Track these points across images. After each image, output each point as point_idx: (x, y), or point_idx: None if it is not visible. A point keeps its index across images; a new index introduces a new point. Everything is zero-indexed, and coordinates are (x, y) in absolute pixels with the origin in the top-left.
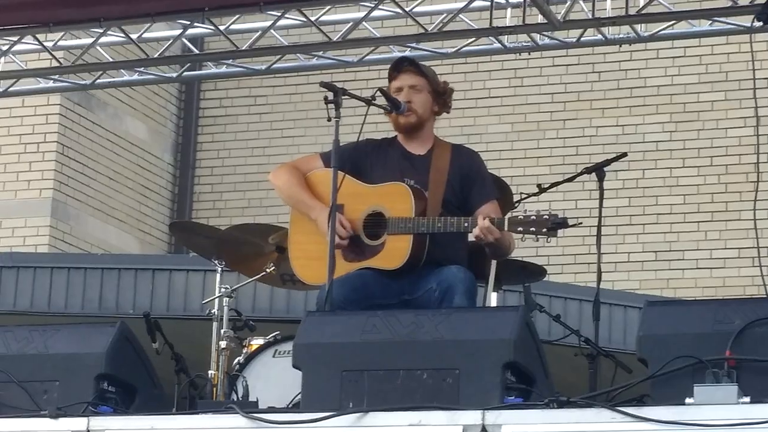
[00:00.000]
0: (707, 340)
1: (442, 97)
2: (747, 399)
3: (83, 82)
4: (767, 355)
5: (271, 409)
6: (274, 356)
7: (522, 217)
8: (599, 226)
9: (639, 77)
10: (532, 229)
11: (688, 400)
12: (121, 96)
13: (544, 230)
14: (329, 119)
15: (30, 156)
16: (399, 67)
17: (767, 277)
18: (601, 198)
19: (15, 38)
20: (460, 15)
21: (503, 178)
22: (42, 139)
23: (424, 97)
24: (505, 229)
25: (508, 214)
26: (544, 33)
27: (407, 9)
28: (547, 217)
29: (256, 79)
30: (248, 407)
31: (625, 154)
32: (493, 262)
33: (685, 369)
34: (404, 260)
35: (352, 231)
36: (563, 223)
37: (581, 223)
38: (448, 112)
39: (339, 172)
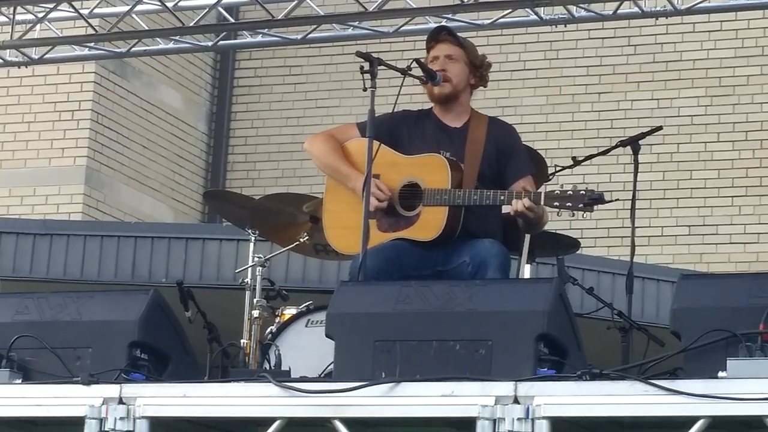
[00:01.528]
0: (741, 313)
1: (479, 69)
2: None
3: (118, 50)
4: None
5: (304, 379)
6: (306, 326)
7: (559, 192)
8: (633, 200)
9: (675, 51)
10: (568, 204)
11: (721, 374)
12: (155, 64)
13: (581, 205)
14: (365, 89)
15: (64, 124)
16: (437, 36)
17: None
18: (636, 171)
19: (51, 5)
20: None
21: (538, 151)
22: (77, 107)
23: (459, 68)
24: (542, 203)
25: (545, 189)
26: (581, 5)
27: None
28: (583, 192)
29: (291, 48)
30: (280, 376)
31: (660, 128)
32: (527, 235)
33: (719, 342)
34: (439, 232)
35: (390, 193)
36: (600, 199)
37: (618, 199)
38: (485, 86)
39: (375, 142)
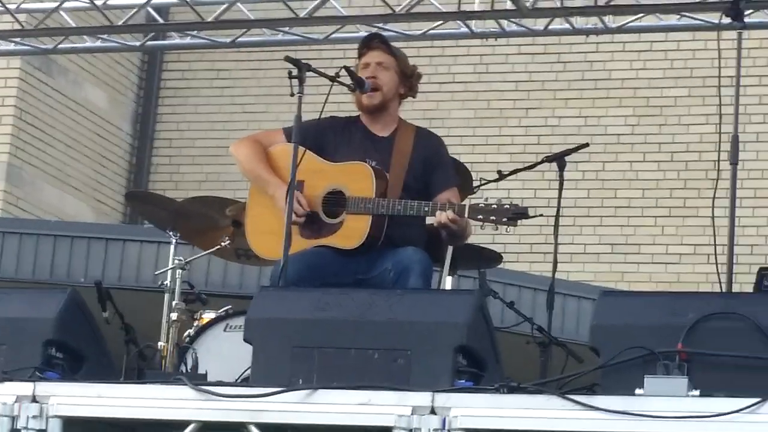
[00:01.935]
0: (660, 332)
1: (409, 79)
2: (697, 392)
3: (45, 47)
4: (719, 350)
5: (220, 383)
6: (225, 330)
7: (483, 205)
8: (557, 217)
9: (604, 69)
10: (492, 217)
11: (638, 391)
12: (82, 63)
13: (505, 219)
14: (292, 94)
15: None
16: (369, 43)
17: (723, 274)
18: (561, 188)
19: None
20: None
21: (464, 164)
22: (0, 103)
23: (390, 76)
24: (466, 216)
25: (469, 201)
26: (512, 19)
27: None
28: (508, 206)
29: (219, 52)
30: (197, 379)
31: (587, 144)
32: (450, 247)
33: (637, 360)
34: (362, 240)
35: (309, 210)
36: (524, 214)
37: (542, 214)
38: (414, 97)
39: (300, 148)
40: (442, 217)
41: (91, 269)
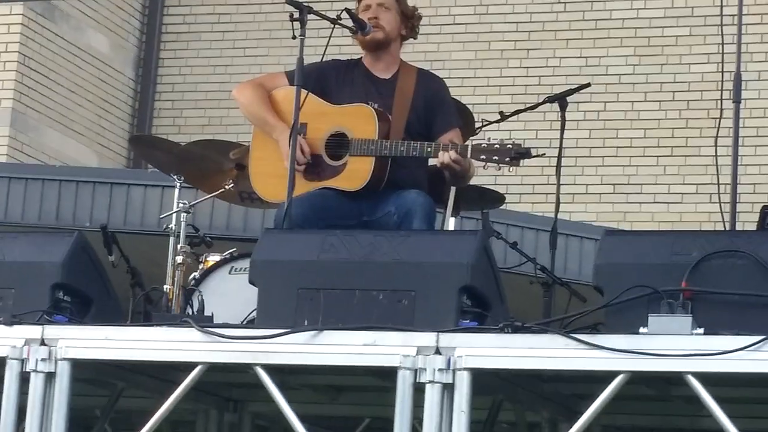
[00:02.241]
0: (664, 270)
1: (410, 20)
2: (701, 330)
3: None
4: (722, 288)
5: (226, 325)
6: (230, 273)
7: (485, 145)
8: (559, 157)
9: (604, 9)
10: (495, 157)
11: (642, 330)
12: (84, 8)
13: (507, 159)
14: (294, 37)
15: None
16: None
17: (725, 213)
18: (563, 129)
19: None
20: None
21: (466, 105)
22: (3, 49)
23: (391, 16)
24: (468, 156)
25: (472, 142)
26: None
27: None
28: (510, 146)
29: None
30: (203, 321)
31: (588, 84)
32: (453, 188)
33: (641, 299)
34: (365, 182)
35: (310, 157)
36: (526, 153)
37: (544, 154)
38: (414, 38)
39: (302, 90)
40: (444, 157)
41: (96, 213)
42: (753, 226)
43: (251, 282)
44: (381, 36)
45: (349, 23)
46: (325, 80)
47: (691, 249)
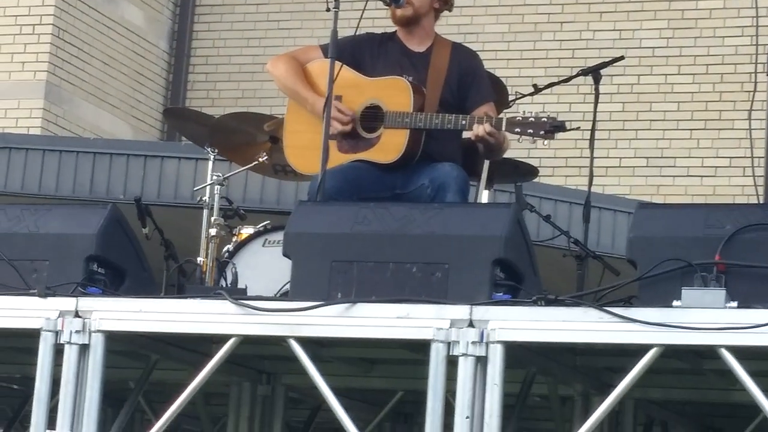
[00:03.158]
0: (697, 243)
1: None
2: (734, 304)
3: None
4: (756, 261)
5: (260, 297)
6: (263, 245)
7: (520, 118)
8: (593, 130)
9: None
10: (529, 130)
11: (675, 303)
12: None
13: (542, 132)
14: (327, 10)
15: (25, 38)
16: None
17: (759, 187)
18: (596, 101)
19: None
20: None
21: (499, 78)
22: (38, 21)
23: None
24: (503, 129)
25: (506, 114)
26: None
27: None
28: (545, 119)
29: None
30: (237, 294)
31: (621, 58)
32: (486, 161)
33: (674, 272)
34: (399, 154)
35: (351, 115)
36: (561, 126)
37: (579, 127)
38: (450, 10)
39: (337, 63)
40: (479, 129)
41: (130, 186)
42: None
43: (285, 254)
44: (410, 12)
45: None
46: (360, 53)
47: (724, 222)
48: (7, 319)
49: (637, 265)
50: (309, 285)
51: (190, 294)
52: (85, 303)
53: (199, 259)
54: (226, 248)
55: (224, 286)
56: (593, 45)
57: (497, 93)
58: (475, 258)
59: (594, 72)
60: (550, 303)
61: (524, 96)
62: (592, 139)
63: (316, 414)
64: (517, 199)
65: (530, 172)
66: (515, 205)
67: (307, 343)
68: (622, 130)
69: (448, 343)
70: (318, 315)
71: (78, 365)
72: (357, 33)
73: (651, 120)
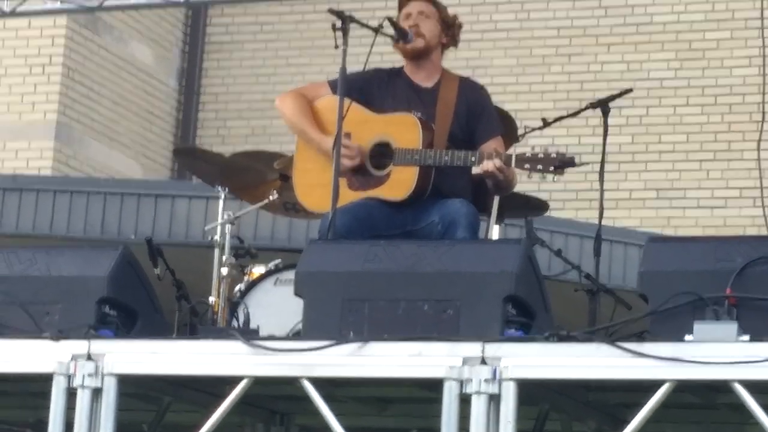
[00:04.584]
0: (708, 277)
1: (450, 29)
2: (746, 337)
3: (90, 5)
4: (767, 294)
5: (272, 337)
6: (275, 284)
7: (530, 154)
8: (602, 163)
9: (645, 14)
10: (539, 166)
11: (687, 337)
12: (127, 20)
13: (551, 168)
14: (336, 47)
15: (35, 78)
16: None
17: None
18: (605, 134)
19: None
20: None
21: (508, 112)
22: (48, 61)
23: (432, 24)
24: (512, 165)
25: (515, 150)
26: None
27: None
28: (554, 155)
29: (263, 5)
30: (249, 334)
31: (630, 90)
32: (496, 196)
33: (686, 306)
34: (409, 192)
35: (359, 152)
36: (570, 162)
37: (587, 163)
38: (455, 47)
39: (345, 100)
40: (488, 166)
41: (142, 226)
42: None
43: (296, 294)
44: (421, 45)
45: (391, 32)
46: (368, 89)
47: (734, 255)
48: (20, 363)
49: (649, 300)
50: (321, 324)
51: (203, 335)
52: (98, 346)
53: (210, 299)
54: (237, 288)
55: (236, 326)
56: (602, 77)
57: (506, 127)
58: (487, 295)
59: (603, 105)
60: (562, 339)
61: (533, 130)
62: (602, 172)
63: None
64: (528, 234)
65: (540, 206)
66: (526, 241)
67: (320, 382)
68: (632, 162)
69: (461, 381)
70: (330, 354)
71: (91, 409)
72: (365, 68)
73: (660, 152)
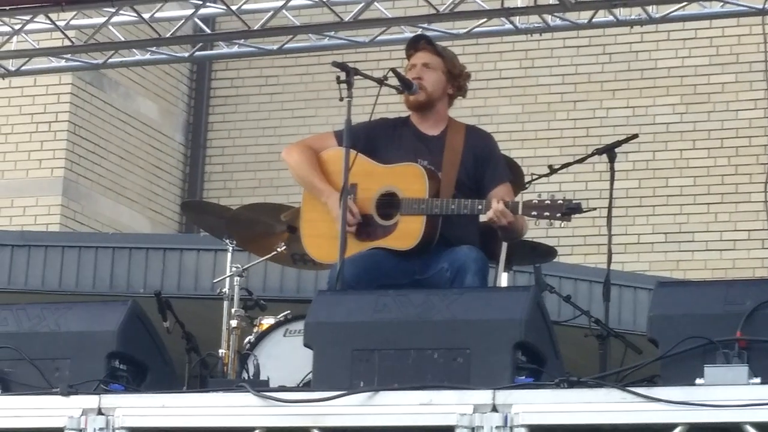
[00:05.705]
0: (718, 320)
1: (457, 79)
2: (758, 380)
3: (95, 62)
4: None
5: (282, 388)
6: (284, 335)
7: (536, 201)
8: (610, 208)
9: (650, 59)
10: (546, 213)
11: (698, 381)
12: (132, 75)
13: (559, 215)
14: (341, 99)
15: (42, 135)
16: (416, 44)
17: None
18: (612, 179)
19: (27, 17)
20: None
21: (514, 159)
22: (54, 119)
23: (436, 76)
24: (519, 213)
25: (522, 198)
26: (556, 14)
27: None
28: (561, 201)
29: (267, 59)
30: (259, 386)
31: (636, 136)
32: (504, 243)
33: (696, 350)
34: (417, 241)
35: (360, 218)
36: (577, 208)
37: (594, 208)
38: (463, 96)
39: (352, 151)
40: (495, 214)
41: (150, 280)
42: None
43: (306, 345)
44: (423, 98)
45: (396, 83)
46: (374, 139)
47: (743, 298)
48: (30, 419)
49: (659, 344)
50: (331, 374)
51: (213, 388)
52: (108, 400)
53: (220, 351)
54: (247, 339)
55: (246, 378)
56: (607, 123)
57: (513, 175)
58: (497, 342)
59: (609, 150)
60: (572, 385)
61: (540, 177)
62: (609, 217)
63: None
64: (537, 281)
65: (549, 252)
66: (534, 288)
67: None
68: (640, 206)
69: (472, 429)
70: (341, 404)
71: None
72: (371, 119)
73: (668, 195)
